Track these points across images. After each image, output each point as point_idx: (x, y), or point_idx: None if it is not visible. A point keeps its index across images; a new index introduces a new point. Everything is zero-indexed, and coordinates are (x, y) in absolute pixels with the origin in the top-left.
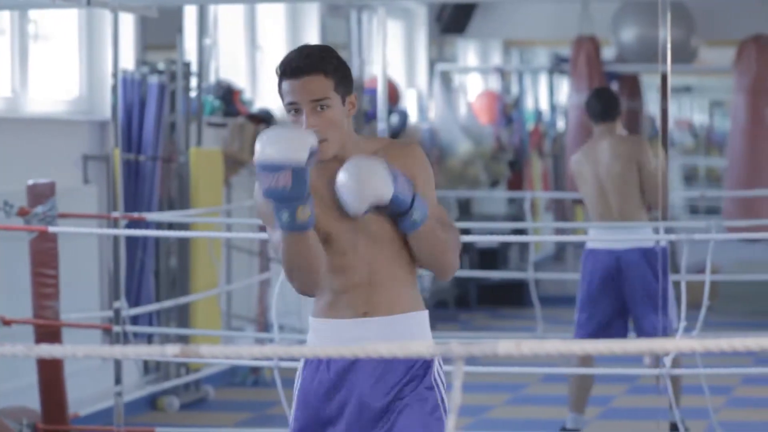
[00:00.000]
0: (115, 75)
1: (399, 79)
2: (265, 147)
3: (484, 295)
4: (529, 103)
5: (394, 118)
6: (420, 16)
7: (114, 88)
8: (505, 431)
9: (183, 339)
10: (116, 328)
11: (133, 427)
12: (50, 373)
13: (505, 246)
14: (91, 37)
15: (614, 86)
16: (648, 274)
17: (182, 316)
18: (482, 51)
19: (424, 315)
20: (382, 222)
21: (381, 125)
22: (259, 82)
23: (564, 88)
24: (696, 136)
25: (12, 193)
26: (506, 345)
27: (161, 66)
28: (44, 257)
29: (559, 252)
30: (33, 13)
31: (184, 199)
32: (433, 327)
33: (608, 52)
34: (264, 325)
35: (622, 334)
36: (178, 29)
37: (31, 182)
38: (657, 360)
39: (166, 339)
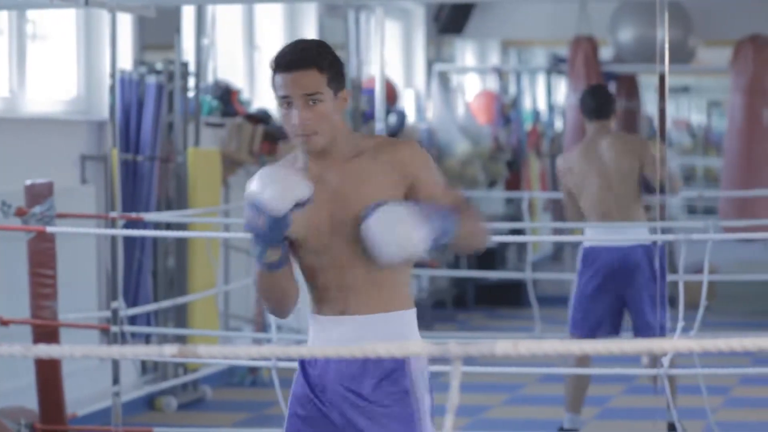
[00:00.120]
0: (113, 75)
1: (397, 79)
2: (257, 184)
3: (481, 295)
4: (527, 103)
5: (392, 118)
6: (418, 16)
7: (112, 88)
8: (503, 431)
9: (181, 339)
10: (114, 329)
11: (131, 427)
12: (48, 373)
13: (503, 246)
14: (89, 37)
15: (612, 86)
16: (650, 271)
17: (180, 316)
18: (480, 51)
19: (408, 314)
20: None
21: (379, 125)
22: (257, 82)
23: (562, 88)
24: (694, 136)
25: (10, 193)
26: (504, 345)
27: (159, 66)
28: (42, 257)
29: (557, 252)
30: (31, 13)
31: (182, 199)
32: (430, 327)
33: (606, 53)
34: (262, 325)
35: (617, 332)
36: (176, 29)
37: (29, 182)
38: (655, 360)
39: (163, 339)
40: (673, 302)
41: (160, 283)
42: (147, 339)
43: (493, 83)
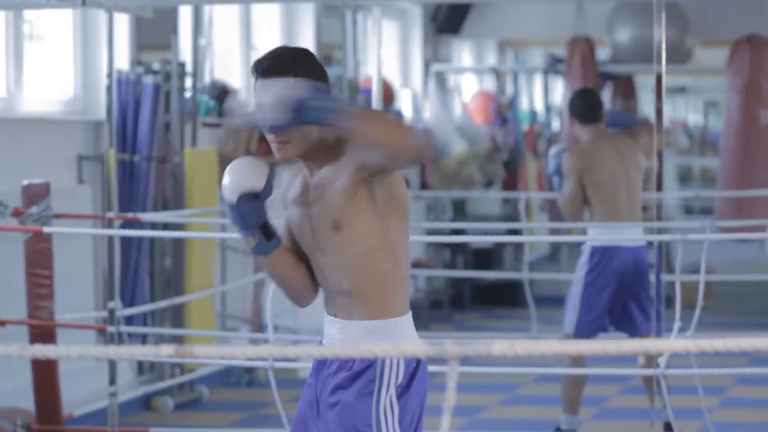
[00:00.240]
0: (109, 75)
1: (394, 79)
2: (224, 176)
3: (478, 295)
4: (524, 104)
5: None
6: (415, 17)
7: (109, 89)
8: (499, 431)
9: (177, 339)
10: (110, 329)
11: (128, 427)
12: (44, 374)
13: (500, 246)
14: (86, 37)
15: (609, 87)
16: (648, 272)
17: (177, 316)
18: (477, 51)
19: (397, 321)
20: (338, 237)
21: None
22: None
23: (559, 89)
24: (690, 136)
25: (7, 194)
26: (501, 345)
27: (156, 66)
28: (39, 257)
29: (554, 252)
30: (28, 14)
31: (179, 199)
32: (427, 327)
33: (603, 53)
34: (258, 326)
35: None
36: (173, 29)
37: (25, 182)
38: (651, 360)
39: (160, 339)
40: (670, 302)
41: (157, 284)
42: (144, 339)
43: (490, 83)
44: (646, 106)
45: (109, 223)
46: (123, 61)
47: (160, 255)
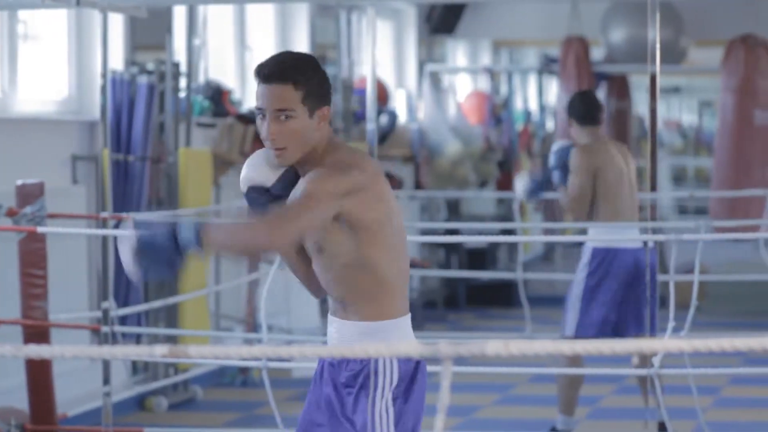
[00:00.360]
0: (104, 75)
1: (388, 79)
2: (253, 166)
3: (472, 295)
4: (518, 104)
5: (384, 119)
6: (409, 17)
7: (103, 89)
8: (494, 431)
9: (171, 339)
10: (104, 329)
11: (122, 427)
12: (38, 374)
13: (494, 246)
14: (80, 37)
15: (603, 87)
16: (646, 272)
17: (171, 316)
18: (471, 51)
19: (388, 324)
20: (321, 255)
21: (370, 126)
22: (248, 82)
23: (553, 89)
24: (685, 136)
25: (1, 194)
26: (495, 345)
27: (150, 66)
28: (33, 257)
29: (548, 252)
30: (22, 14)
31: (173, 199)
32: (421, 327)
33: (597, 53)
34: (253, 326)
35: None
36: (168, 29)
37: (19, 182)
38: (645, 360)
39: (154, 339)
40: (664, 302)
41: (151, 284)
42: (138, 339)
43: (484, 83)
44: (640, 106)
45: (103, 223)
46: (117, 61)
47: None
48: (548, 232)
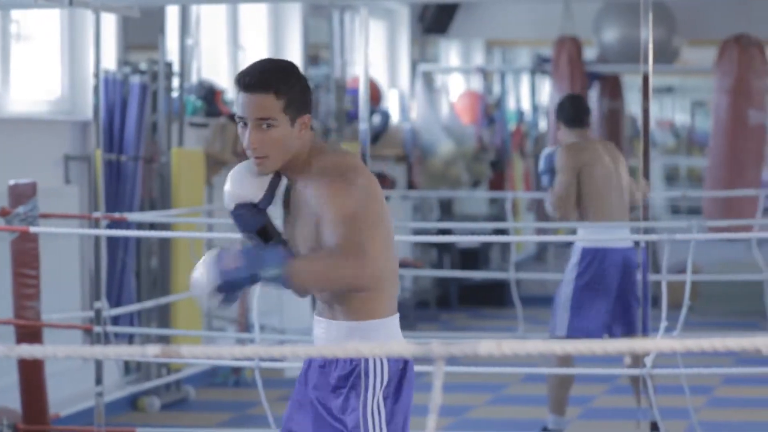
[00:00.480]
0: (96, 75)
1: (381, 79)
2: (226, 181)
3: (465, 295)
4: (511, 104)
5: (376, 119)
6: (402, 17)
7: (96, 88)
8: (486, 431)
9: (164, 339)
10: (97, 329)
11: (114, 427)
12: (31, 374)
13: (487, 246)
14: (73, 37)
15: (596, 87)
16: (636, 272)
17: (163, 316)
18: (464, 51)
19: (379, 323)
20: (303, 244)
21: (363, 125)
22: None
23: (546, 89)
24: (677, 136)
25: None
26: (487, 345)
27: (143, 66)
28: (25, 257)
29: (541, 252)
30: (15, 13)
31: (166, 199)
32: (413, 327)
33: (590, 53)
34: (245, 326)
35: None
36: (160, 29)
37: (12, 182)
38: (637, 360)
39: (147, 339)
40: (656, 302)
41: (144, 284)
42: (130, 339)
43: (477, 83)
44: (632, 106)
45: (96, 223)
46: (110, 61)
47: (146, 255)
48: (541, 232)
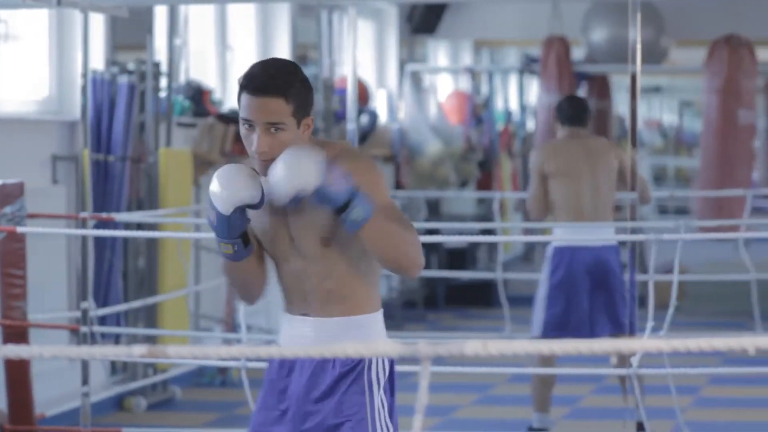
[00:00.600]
0: (84, 75)
1: (369, 79)
2: (214, 181)
3: (452, 295)
4: (499, 104)
5: (364, 119)
6: (391, 17)
7: (84, 88)
8: (472, 431)
9: (151, 339)
10: (83, 329)
11: (100, 427)
12: (17, 374)
13: (474, 246)
14: (61, 37)
15: (584, 86)
16: (619, 272)
17: (150, 316)
18: (453, 51)
19: (369, 318)
20: (312, 239)
21: (350, 125)
22: (229, 82)
23: (534, 89)
24: (665, 136)
25: None
26: (473, 345)
27: (131, 66)
28: (12, 257)
29: (528, 252)
30: (3, 13)
31: (153, 199)
32: (400, 327)
33: (578, 53)
34: (232, 326)
35: (594, 332)
36: (148, 29)
37: None
38: (624, 360)
39: (133, 339)
40: (644, 302)
41: (131, 284)
42: (117, 339)
43: (465, 83)
44: (620, 106)
45: (83, 223)
46: (98, 61)
47: (133, 255)
48: (528, 232)
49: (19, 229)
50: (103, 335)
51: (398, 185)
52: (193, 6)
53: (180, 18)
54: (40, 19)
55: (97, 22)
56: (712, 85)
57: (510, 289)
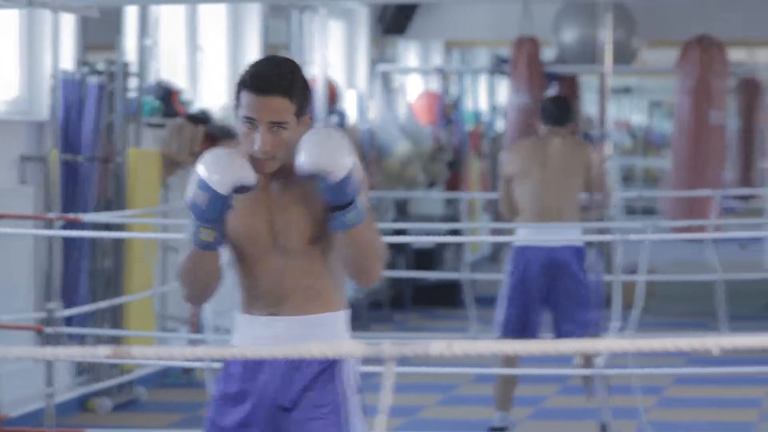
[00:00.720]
0: (54, 75)
1: (339, 79)
2: (206, 162)
3: (419, 295)
4: (468, 104)
5: (333, 119)
6: (361, 17)
7: (53, 89)
8: (437, 431)
9: (116, 340)
10: (48, 330)
11: (64, 428)
12: None
13: (442, 247)
14: (31, 37)
15: (554, 87)
16: (580, 272)
17: (116, 317)
18: (423, 52)
19: (340, 316)
20: (298, 236)
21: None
22: (199, 83)
23: (504, 89)
24: (634, 136)
25: None
26: (438, 345)
27: (101, 66)
28: None
29: (495, 253)
30: None
31: (121, 199)
32: (367, 327)
33: (549, 53)
34: (197, 327)
35: (535, 333)
36: (118, 30)
37: None
38: (588, 360)
39: (99, 340)
40: (610, 302)
41: (97, 284)
42: (82, 340)
43: (435, 84)
44: (589, 106)
45: (50, 224)
46: (68, 62)
47: (100, 256)
48: (495, 232)
49: None
50: (69, 336)
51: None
52: (164, 6)
53: (150, 18)
54: (9, 19)
55: (68, 23)
56: (683, 85)
57: (478, 290)
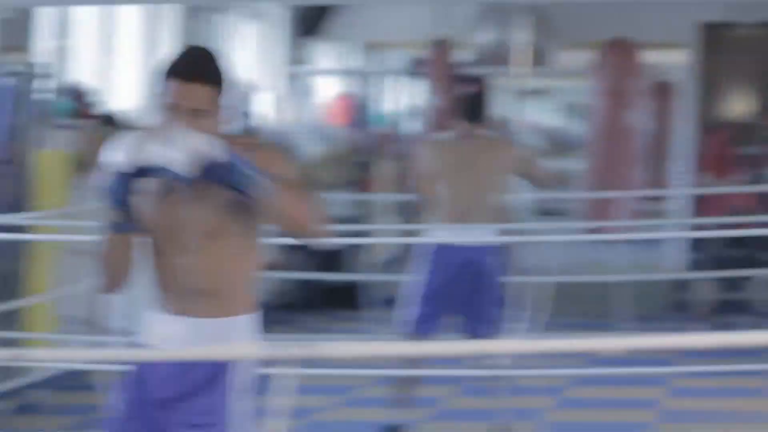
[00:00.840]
0: None
1: (255, 81)
2: (113, 146)
3: (326, 297)
4: (383, 105)
5: (247, 121)
6: (278, 19)
7: None
8: None
9: (16, 343)
10: None
11: None
12: None
13: (350, 248)
14: None
15: (467, 88)
16: (494, 273)
17: (17, 319)
18: (339, 53)
19: (247, 318)
20: (211, 243)
21: (232, 127)
22: (111, 84)
23: (419, 91)
24: (548, 138)
25: None
26: (337, 347)
27: (12, 68)
28: None
29: (405, 254)
30: None
31: (28, 201)
32: (271, 329)
33: (465, 55)
34: (101, 329)
35: (437, 332)
36: (31, 31)
37: None
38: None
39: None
40: (516, 303)
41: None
42: None
43: (350, 85)
44: (501, 107)
45: None
46: None
47: (2, 258)
48: (406, 233)
49: None
50: None
51: None
52: (79, 8)
53: (65, 20)
54: None
55: None
56: (599, 87)
57: (386, 291)
